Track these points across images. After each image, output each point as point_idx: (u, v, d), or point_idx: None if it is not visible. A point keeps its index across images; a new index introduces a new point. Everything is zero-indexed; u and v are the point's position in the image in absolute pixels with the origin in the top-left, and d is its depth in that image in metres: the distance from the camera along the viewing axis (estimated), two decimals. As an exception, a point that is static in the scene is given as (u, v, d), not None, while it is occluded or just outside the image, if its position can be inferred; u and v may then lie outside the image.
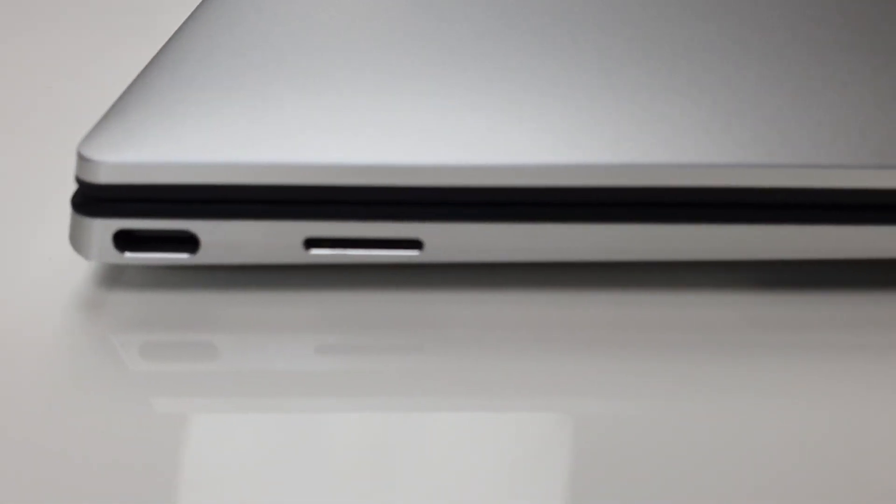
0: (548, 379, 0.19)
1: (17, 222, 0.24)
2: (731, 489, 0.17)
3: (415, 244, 0.20)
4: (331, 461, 0.17)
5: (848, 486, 0.17)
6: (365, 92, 0.21)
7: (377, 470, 0.17)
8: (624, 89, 0.22)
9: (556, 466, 0.17)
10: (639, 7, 0.26)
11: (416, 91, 0.21)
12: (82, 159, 0.20)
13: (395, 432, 0.18)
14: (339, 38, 0.23)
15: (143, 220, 0.20)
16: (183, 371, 0.20)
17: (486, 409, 0.19)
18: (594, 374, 0.19)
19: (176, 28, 0.27)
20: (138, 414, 0.19)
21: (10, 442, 0.18)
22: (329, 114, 0.20)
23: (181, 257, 0.21)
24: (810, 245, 0.20)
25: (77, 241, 0.21)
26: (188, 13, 0.34)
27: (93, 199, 0.20)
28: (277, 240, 0.20)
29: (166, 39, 0.28)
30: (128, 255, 0.21)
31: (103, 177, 0.20)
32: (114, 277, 0.22)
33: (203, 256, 0.20)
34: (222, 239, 0.20)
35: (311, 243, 0.20)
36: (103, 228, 0.20)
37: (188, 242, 0.20)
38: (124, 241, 0.20)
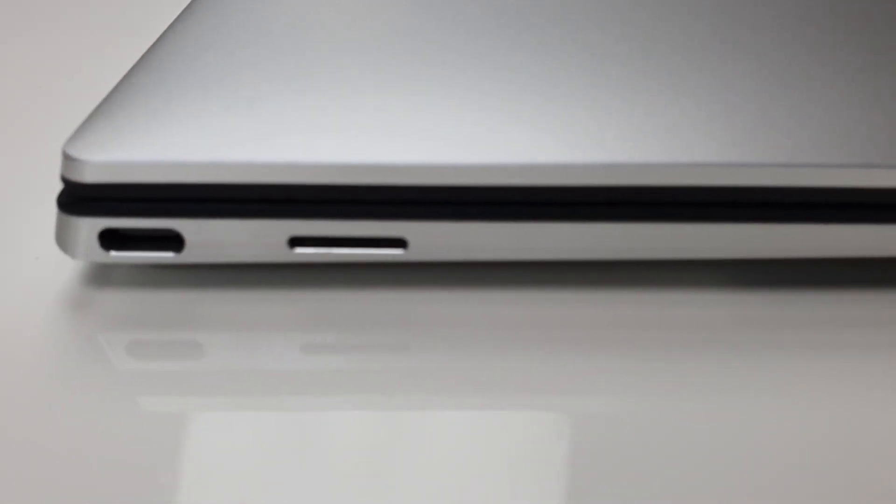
0: (535, 377, 0.19)
1: (5, 222, 0.24)
2: (726, 487, 0.17)
3: (399, 243, 0.20)
4: (318, 459, 0.18)
5: (843, 485, 0.17)
6: (350, 91, 0.21)
7: (365, 468, 0.17)
8: (615, 88, 0.22)
9: (542, 464, 0.17)
10: (635, 5, 0.26)
11: (400, 90, 0.21)
12: (67, 158, 0.20)
13: (382, 431, 0.18)
14: (326, 38, 0.24)
15: (129, 219, 0.20)
16: (170, 370, 0.20)
17: (473, 408, 0.19)
18: (581, 373, 0.19)
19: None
20: (126, 412, 0.19)
21: (-4, 440, 0.18)
22: (314, 113, 0.21)
23: (166, 256, 0.21)
24: (808, 244, 0.20)
25: (63, 240, 0.21)
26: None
27: (78, 199, 0.20)
28: (262, 239, 0.20)
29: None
30: (113, 254, 0.21)
31: (88, 176, 0.20)
32: (101, 276, 0.22)
33: (188, 255, 0.20)
34: (207, 238, 0.20)
35: (295, 242, 0.20)
36: (89, 227, 0.20)
37: (173, 241, 0.20)
38: (110, 240, 0.21)
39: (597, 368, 0.19)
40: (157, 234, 0.20)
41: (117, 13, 0.38)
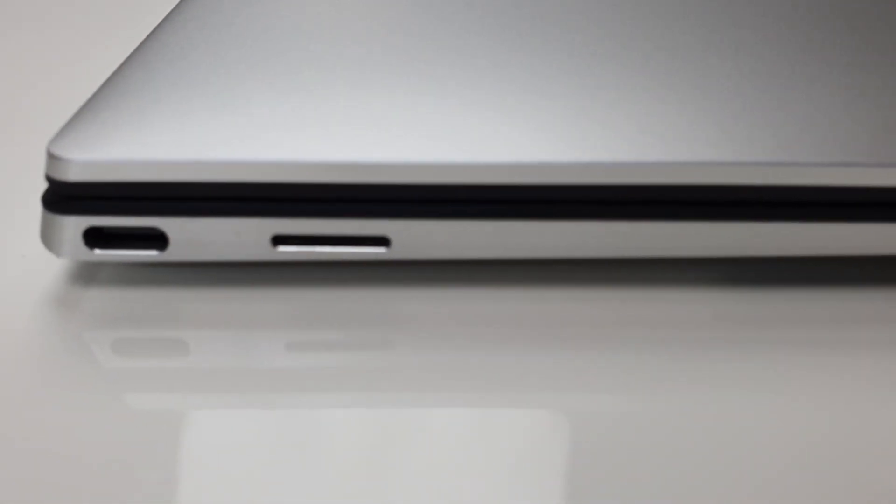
0: (518, 375, 0.19)
1: (-8, 220, 0.24)
2: (709, 483, 0.17)
3: (382, 241, 0.20)
4: (304, 457, 0.18)
5: (820, 480, 0.17)
6: (333, 90, 0.21)
7: (351, 465, 0.17)
8: (600, 86, 0.22)
9: (525, 461, 0.18)
10: (627, 3, 0.26)
11: (383, 89, 0.21)
12: (52, 157, 0.20)
13: (368, 428, 0.18)
14: (310, 38, 0.24)
15: (113, 217, 0.20)
16: (155, 368, 0.20)
17: (458, 405, 0.19)
18: (564, 370, 0.19)
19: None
20: (112, 410, 0.19)
21: (-19, 438, 0.18)
22: (297, 112, 0.21)
23: (150, 254, 0.21)
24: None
25: (48, 238, 0.21)
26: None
27: (63, 197, 0.20)
28: (245, 237, 0.20)
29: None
30: (98, 252, 0.21)
31: (72, 175, 0.20)
32: (88, 274, 0.22)
33: (172, 253, 0.21)
34: (190, 236, 0.20)
35: (278, 240, 0.20)
36: (73, 226, 0.20)
37: (157, 240, 0.21)
38: (94, 238, 0.21)
39: (579, 366, 0.20)
40: (141, 233, 0.21)
41: (105, 12, 0.38)
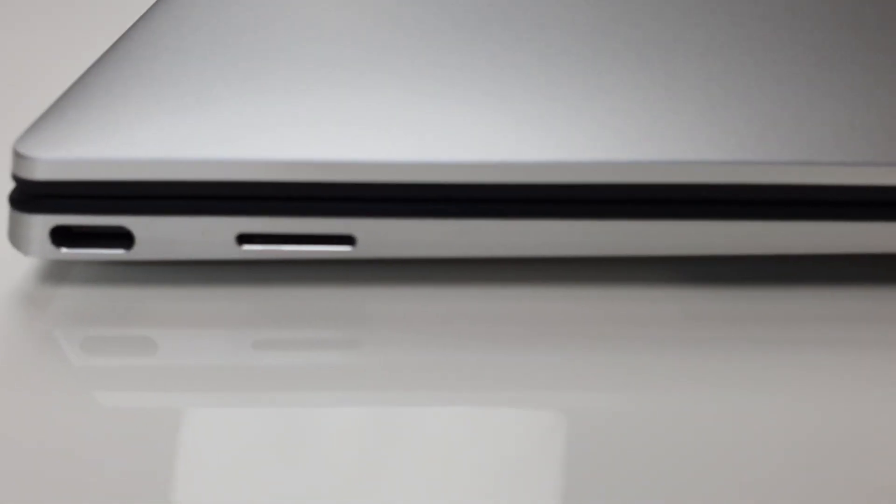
0: (485, 373, 0.19)
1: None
2: (678, 482, 0.17)
3: (347, 240, 0.20)
4: (272, 454, 0.18)
5: (806, 479, 0.17)
6: (298, 90, 0.21)
7: (321, 463, 0.17)
8: (576, 85, 0.22)
9: (492, 460, 0.18)
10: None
11: (348, 88, 0.21)
12: (18, 156, 0.20)
13: (337, 426, 0.18)
14: (277, 40, 0.24)
15: (79, 216, 0.20)
16: (125, 366, 0.20)
17: (424, 403, 0.19)
18: (530, 368, 0.19)
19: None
20: (82, 407, 0.19)
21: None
22: (262, 111, 0.21)
23: (117, 253, 0.21)
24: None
25: (15, 237, 0.21)
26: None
27: (29, 196, 0.20)
28: (210, 236, 0.20)
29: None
30: (64, 250, 0.21)
31: (39, 173, 0.20)
32: (58, 273, 0.22)
33: (138, 252, 0.21)
34: (156, 235, 0.20)
35: (243, 239, 0.20)
36: (40, 224, 0.20)
37: (124, 238, 0.21)
38: (61, 236, 0.21)
39: (547, 363, 0.20)
40: (107, 231, 0.21)
41: (79, 13, 0.38)
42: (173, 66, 0.22)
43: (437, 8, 0.25)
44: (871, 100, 0.21)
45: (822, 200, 0.20)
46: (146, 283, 0.22)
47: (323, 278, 0.22)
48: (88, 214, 0.20)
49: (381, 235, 0.20)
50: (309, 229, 0.20)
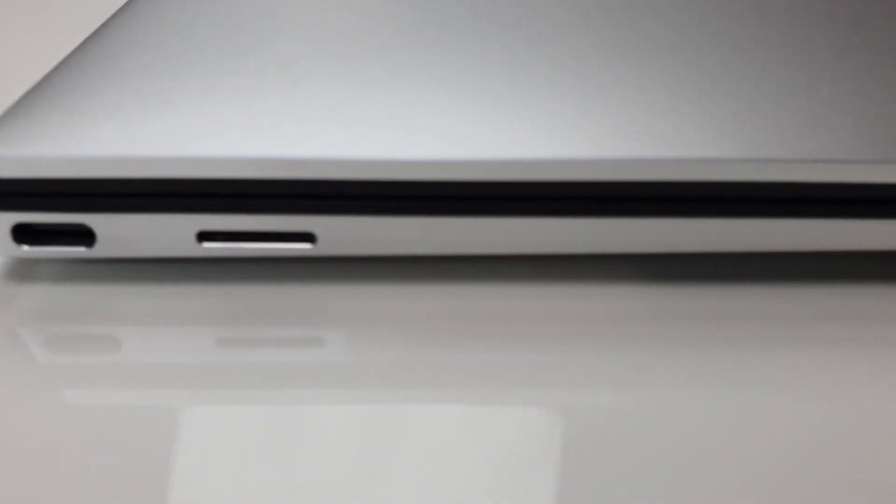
0: (448, 371, 0.19)
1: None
2: (643, 480, 0.17)
3: (308, 237, 0.20)
4: (236, 452, 0.18)
5: (771, 479, 0.17)
6: (259, 87, 0.21)
7: (284, 461, 0.17)
8: (542, 84, 0.22)
9: (453, 459, 0.17)
10: None
11: (309, 85, 0.21)
12: None
13: (300, 424, 0.18)
14: (243, 38, 0.24)
15: (41, 213, 0.20)
16: (90, 363, 0.20)
17: (388, 402, 0.19)
18: (493, 366, 0.19)
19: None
20: (47, 405, 0.19)
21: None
22: (222, 108, 0.21)
23: (78, 251, 0.21)
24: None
25: (-24, 234, 0.21)
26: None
27: (-10, 194, 0.20)
28: (171, 233, 0.20)
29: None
30: (26, 248, 0.21)
31: (0, 171, 0.20)
32: (21, 271, 0.22)
33: (100, 250, 0.21)
34: (117, 232, 0.20)
35: (203, 237, 0.20)
36: (1, 222, 0.20)
37: (85, 236, 0.21)
38: (22, 234, 0.21)
39: (510, 361, 0.19)
40: (69, 229, 0.21)
41: (43, 12, 0.38)
42: (136, 64, 0.22)
43: (408, 1, 0.25)
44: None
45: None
46: (110, 281, 0.22)
47: (288, 275, 0.22)
48: (50, 212, 0.20)
49: (341, 233, 0.20)
50: (269, 226, 0.20)
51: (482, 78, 0.22)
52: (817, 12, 0.24)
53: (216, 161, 0.19)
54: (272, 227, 0.20)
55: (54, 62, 0.28)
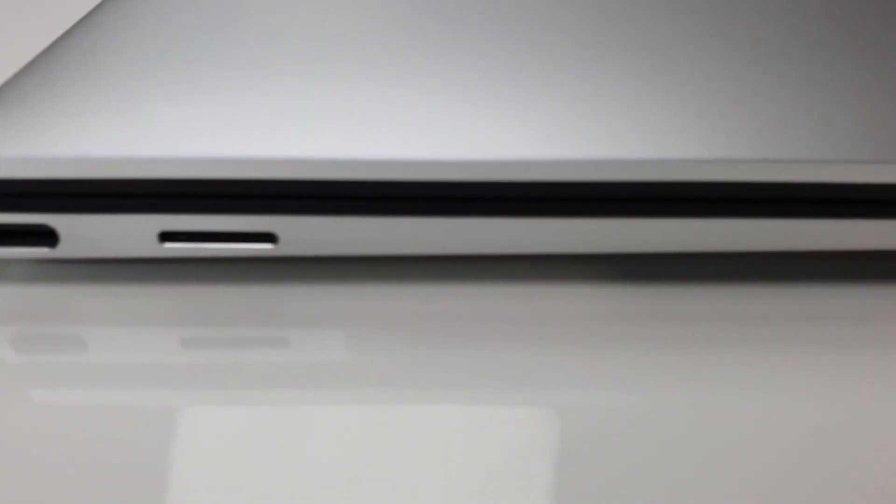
0: (407, 371, 0.19)
1: None
2: (598, 480, 0.17)
3: (269, 238, 0.20)
4: (202, 452, 0.18)
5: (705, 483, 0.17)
6: (221, 87, 0.21)
7: (249, 461, 0.18)
8: (514, 82, 0.22)
9: (405, 460, 0.18)
10: None
11: (272, 85, 0.21)
12: None
13: (265, 424, 0.18)
14: (209, 41, 0.24)
15: (3, 214, 0.20)
16: (55, 363, 0.20)
17: (350, 402, 0.19)
18: (453, 367, 0.19)
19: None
20: (12, 405, 0.19)
21: None
22: (183, 108, 0.21)
23: (42, 251, 0.21)
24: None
25: (-60, 235, 0.21)
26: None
27: (-48, 194, 0.20)
28: (133, 234, 0.20)
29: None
30: None
31: None
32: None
33: (63, 250, 0.21)
34: (80, 233, 0.20)
35: (166, 237, 0.21)
36: (-36, 223, 0.21)
37: (48, 236, 0.21)
38: (-15, 234, 0.21)
39: (470, 362, 0.20)
40: (32, 230, 0.21)
41: (12, 13, 0.38)
42: (98, 66, 0.22)
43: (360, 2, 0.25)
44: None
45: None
46: (75, 281, 0.22)
47: (253, 276, 0.22)
48: (11, 212, 0.20)
49: (302, 233, 0.20)
50: (230, 227, 0.20)
51: (450, 76, 0.22)
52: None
53: (177, 161, 0.19)
54: (233, 227, 0.20)
55: (13, 65, 0.28)
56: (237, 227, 0.20)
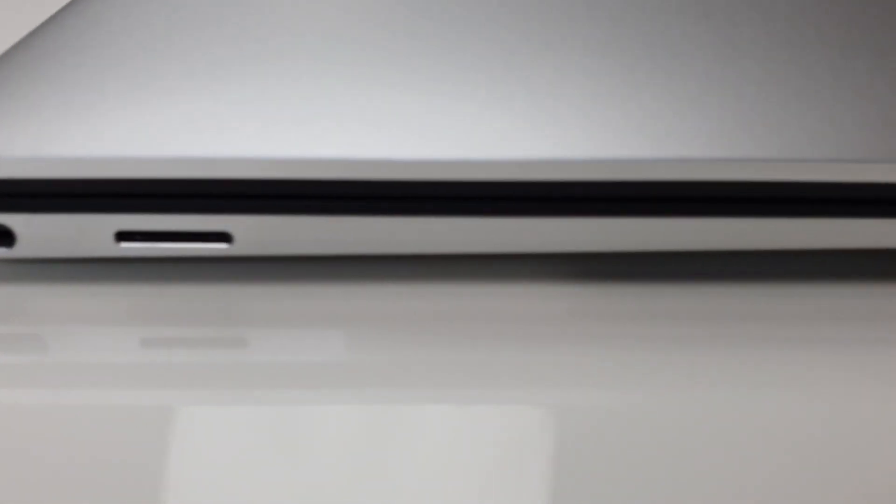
0: (365, 371, 0.20)
1: None
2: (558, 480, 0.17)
3: (224, 237, 0.21)
4: (163, 451, 0.18)
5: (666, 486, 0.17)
6: (178, 87, 0.21)
7: (212, 460, 0.18)
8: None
9: (395, 460, 0.18)
10: None
11: (229, 84, 0.22)
12: None
13: (226, 424, 0.18)
14: (169, 42, 0.24)
15: None
16: (13, 363, 0.20)
17: (311, 402, 0.19)
18: (416, 366, 0.20)
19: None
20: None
21: None
22: (139, 109, 0.21)
23: None
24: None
25: None
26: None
27: None
28: (89, 233, 0.20)
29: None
30: None
31: None
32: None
33: (20, 250, 0.21)
34: (37, 233, 0.20)
35: (122, 236, 0.21)
36: (-77, 222, 0.21)
37: (6, 236, 0.21)
38: (-56, 234, 0.21)
39: (435, 361, 0.20)
40: (-10, 229, 0.21)
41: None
42: (57, 66, 0.22)
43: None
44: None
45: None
46: (34, 281, 0.22)
47: (211, 276, 0.22)
48: (-31, 212, 0.20)
49: (257, 233, 0.20)
50: (186, 226, 0.20)
51: (401, 72, 0.22)
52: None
53: (133, 161, 0.20)
54: (189, 226, 0.20)
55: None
56: (192, 226, 0.20)
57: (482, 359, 0.20)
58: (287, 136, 0.20)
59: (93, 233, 0.20)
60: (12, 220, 0.20)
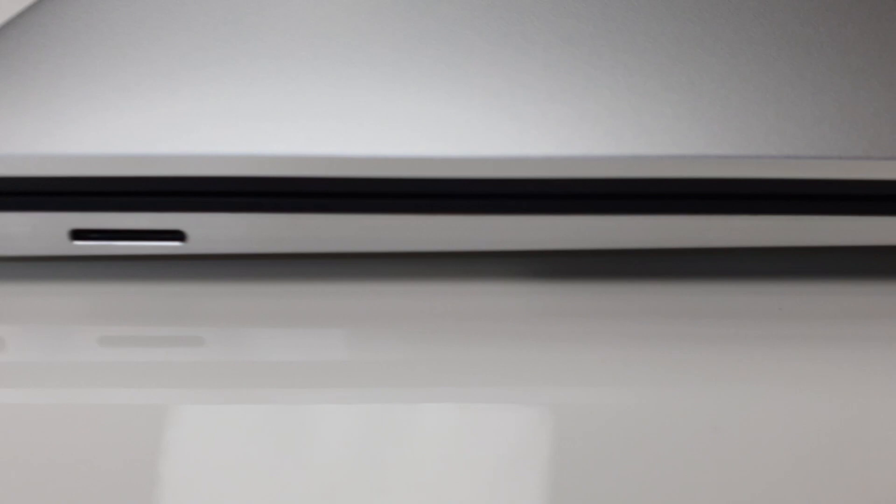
0: (331, 371, 0.20)
1: None
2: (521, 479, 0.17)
3: (177, 235, 0.21)
4: (123, 450, 0.18)
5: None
6: (131, 85, 0.21)
7: (171, 460, 0.18)
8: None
9: (339, 459, 0.18)
10: None
11: (183, 81, 0.21)
12: None
13: (187, 423, 0.19)
14: (125, 41, 0.24)
15: None
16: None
17: (271, 402, 0.19)
18: (376, 365, 0.20)
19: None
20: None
21: None
22: (92, 106, 0.21)
23: None
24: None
25: None
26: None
27: None
28: (44, 231, 0.21)
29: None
30: None
31: None
32: None
33: (-25, 249, 0.21)
34: (-9, 231, 0.21)
35: (77, 235, 0.21)
36: None
37: (-38, 235, 0.21)
38: None
39: (397, 360, 0.20)
40: (-54, 229, 0.21)
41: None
42: (12, 63, 0.22)
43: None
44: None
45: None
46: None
47: (170, 275, 0.22)
48: (-77, 212, 0.20)
49: (210, 231, 0.20)
50: (140, 224, 0.20)
51: (359, 68, 0.22)
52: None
53: (85, 158, 0.20)
54: (143, 224, 0.20)
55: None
56: (146, 224, 0.20)
57: (459, 356, 0.20)
58: (239, 133, 0.20)
59: (47, 231, 0.21)
60: (-33, 219, 0.21)
